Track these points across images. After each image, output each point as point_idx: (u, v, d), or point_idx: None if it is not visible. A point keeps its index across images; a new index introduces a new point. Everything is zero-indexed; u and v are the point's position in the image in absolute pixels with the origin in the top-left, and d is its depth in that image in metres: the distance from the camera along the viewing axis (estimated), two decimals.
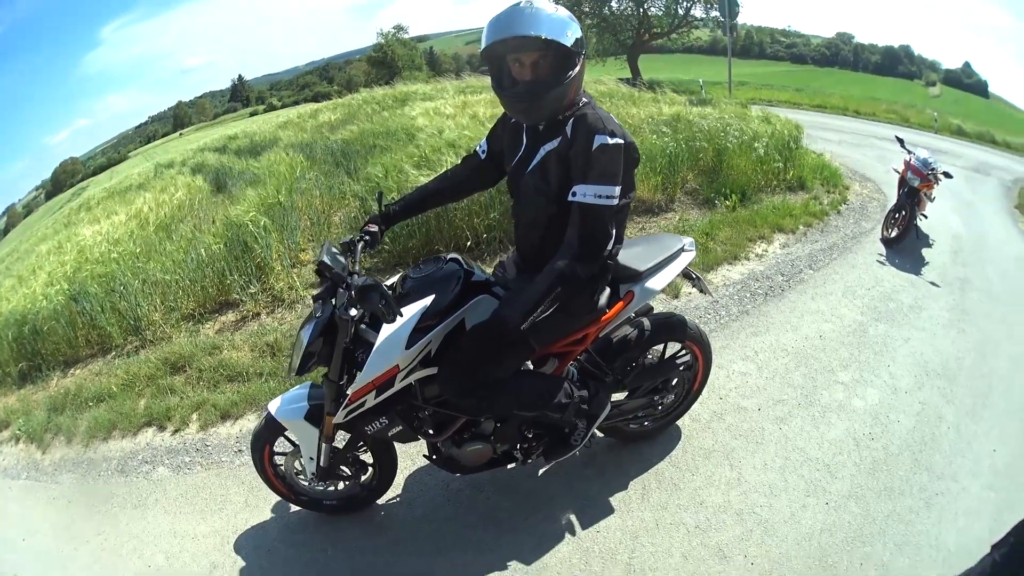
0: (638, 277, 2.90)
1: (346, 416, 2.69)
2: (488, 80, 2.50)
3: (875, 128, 17.88)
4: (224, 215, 7.13)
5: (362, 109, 15.56)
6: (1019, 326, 5.46)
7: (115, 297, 5.83)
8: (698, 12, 29.59)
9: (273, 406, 2.91)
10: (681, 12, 29.68)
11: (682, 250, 3.10)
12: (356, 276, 2.48)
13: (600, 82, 15.72)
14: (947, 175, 7.41)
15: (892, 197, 7.59)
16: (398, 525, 3.34)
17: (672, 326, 3.17)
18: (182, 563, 3.32)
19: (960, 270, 6.60)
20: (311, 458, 2.90)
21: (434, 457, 3.00)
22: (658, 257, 2.98)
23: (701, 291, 3.26)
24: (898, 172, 7.44)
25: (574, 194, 2.30)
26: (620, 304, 2.86)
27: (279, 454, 3.11)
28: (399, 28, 48.67)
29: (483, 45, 2.30)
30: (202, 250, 6.22)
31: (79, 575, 3.41)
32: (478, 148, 2.89)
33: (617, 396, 3.23)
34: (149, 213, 9.72)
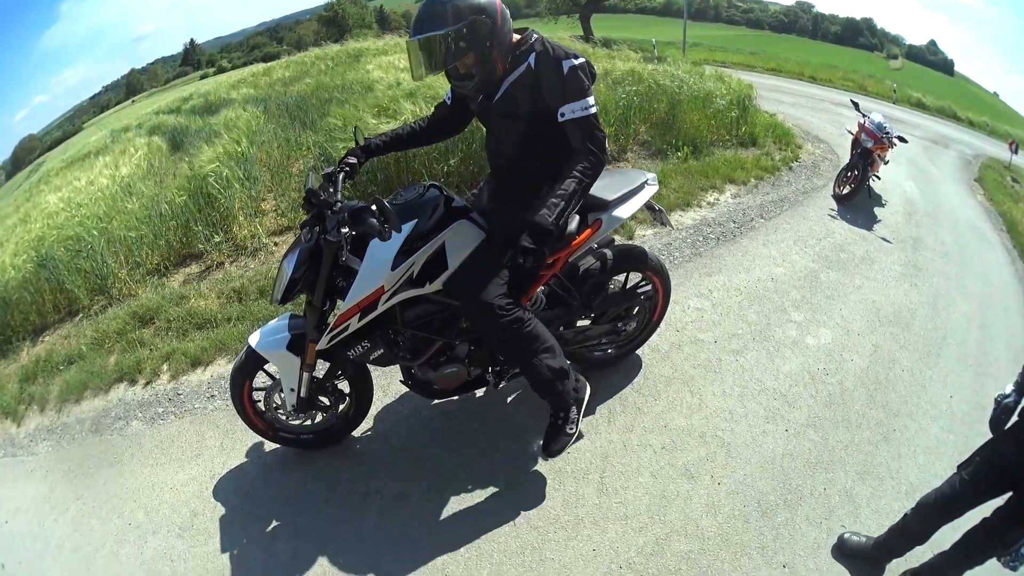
0: (605, 206, 3.02)
1: (329, 341, 2.74)
2: None
3: (831, 94, 17.94)
4: (186, 169, 6.96)
5: (315, 66, 15.18)
6: (973, 287, 5.72)
7: (81, 259, 5.71)
8: None
9: (253, 339, 2.93)
10: None
11: (645, 184, 3.23)
12: (340, 203, 2.57)
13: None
14: (902, 139, 7.56)
15: (845, 158, 7.72)
16: (375, 455, 3.41)
17: (634, 256, 3.33)
18: (162, 515, 3.31)
19: (913, 230, 6.80)
20: (292, 389, 2.95)
21: (409, 383, 3.11)
22: (623, 189, 3.11)
23: (662, 223, 3.42)
24: (852, 133, 7.57)
25: (563, 115, 2.53)
26: (588, 231, 2.99)
27: (258, 389, 3.13)
28: None
29: None
30: (164, 205, 6.13)
31: (60, 549, 3.34)
32: (446, 98, 3.03)
33: (582, 322, 3.38)
34: (110, 175, 9.41)
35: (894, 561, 2.76)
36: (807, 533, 2.95)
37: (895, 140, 7.40)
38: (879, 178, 7.40)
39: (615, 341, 3.62)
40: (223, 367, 4.28)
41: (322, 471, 3.33)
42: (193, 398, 4.10)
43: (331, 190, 2.68)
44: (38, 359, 5.05)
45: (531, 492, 3.11)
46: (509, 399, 3.64)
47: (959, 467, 2.47)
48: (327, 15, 46.44)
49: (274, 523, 3.12)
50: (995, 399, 2.35)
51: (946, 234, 7.05)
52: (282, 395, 3.05)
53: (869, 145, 7.16)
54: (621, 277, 3.45)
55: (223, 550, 3.06)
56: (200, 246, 5.76)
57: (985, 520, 2.39)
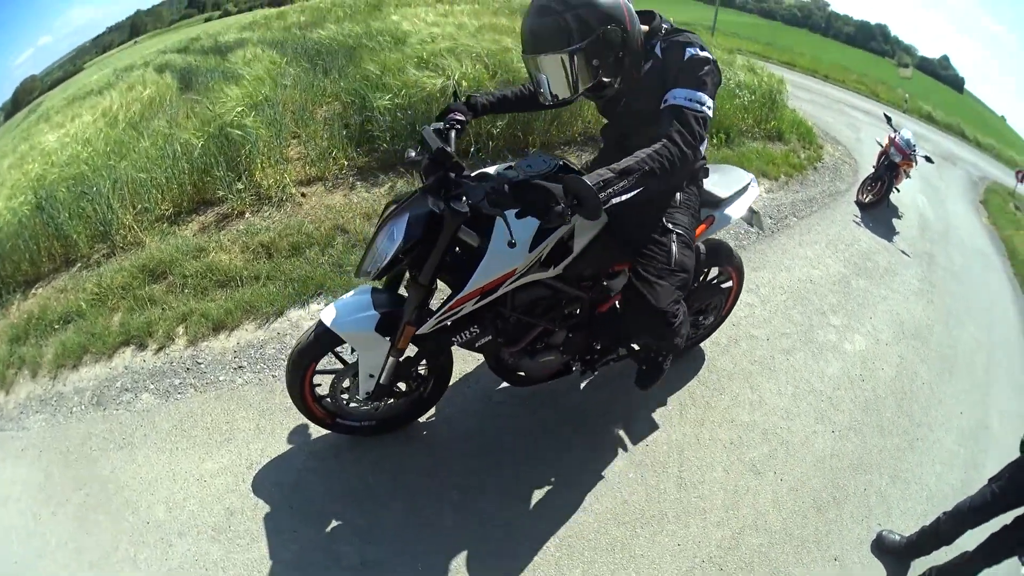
0: (718, 204, 2.94)
1: (435, 325, 2.43)
2: None
3: (844, 95, 18.11)
4: (205, 110, 6.47)
5: (332, 12, 14.51)
6: (978, 310, 5.95)
7: (84, 201, 5.16)
8: None
9: (328, 316, 2.48)
10: None
11: (750, 185, 3.15)
12: (463, 167, 2.20)
13: None
14: (928, 159, 7.81)
15: (863, 163, 7.99)
16: (442, 443, 3.15)
17: (721, 252, 3.26)
18: (189, 513, 2.83)
19: (927, 246, 7.00)
20: (371, 375, 2.60)
21: (495, 366, 2.86)
22: (734, 188, 3.03)
23: (751, 224, 3.33)
24: (881, 145, 7.68)
25: (666, 101, 2.17)
26: (703, 226, 2.88)
27: (321, 372, 2.73)
28: None
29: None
30: (178, 146, 5.62)
31: (62, 549, 2.82)
32: None
33: None
34: (118, 111, 8.75)
35: (919, 560, 2.98)
36: (852, 529, 3.12)
37: (920, 159, 7.61)
38: (898, 190, 7.59)
39: (693, 334, 3.58)
40: (251, 333, 3.85)
41: (381, 461, 2.98)
42: (217, 369, 3.62)
43: (447, 150, 2.20)
44: (30, 316, 4.44)
45: (613, 485, 3.04)
46: (583, 385, 3.54)
47: (991, 480, 2.75)
48: None
49: (333, 522, 2.75)
50: None
51: (956, 253, 7.30)
52: (354, 379, 2.72)
53: (897, 160, 7.32)
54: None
55: (273, 556, 2.63)
56: (220, 192, 5.21)
57: (1005, 526, 2.67)
